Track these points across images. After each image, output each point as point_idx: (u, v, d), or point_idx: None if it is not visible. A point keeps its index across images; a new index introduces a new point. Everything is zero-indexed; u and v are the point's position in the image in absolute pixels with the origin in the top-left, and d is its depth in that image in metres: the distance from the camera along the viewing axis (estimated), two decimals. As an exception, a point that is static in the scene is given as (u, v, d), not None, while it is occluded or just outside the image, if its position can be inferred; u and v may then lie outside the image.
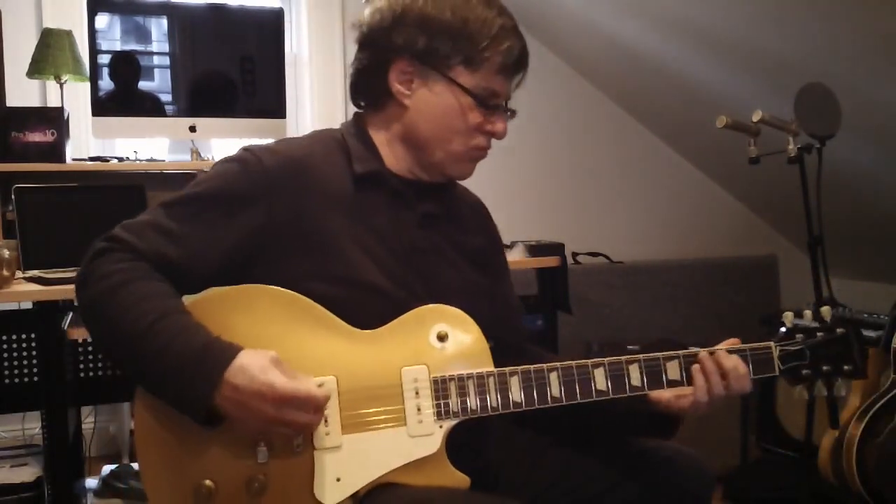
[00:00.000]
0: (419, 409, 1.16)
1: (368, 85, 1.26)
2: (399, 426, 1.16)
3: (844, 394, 1.23)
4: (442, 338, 1.19)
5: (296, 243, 1.17)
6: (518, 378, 1.18)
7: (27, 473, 2.47)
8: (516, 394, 1.18)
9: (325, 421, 1.13)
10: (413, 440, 1.16)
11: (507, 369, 1.19)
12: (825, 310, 1.25)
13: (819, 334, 1.25)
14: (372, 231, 1.22)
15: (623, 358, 1.21)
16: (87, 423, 3.03)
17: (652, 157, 4.03)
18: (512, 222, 3.52)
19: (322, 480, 1.12)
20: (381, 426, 1.15)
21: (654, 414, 1.25)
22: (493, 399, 1.17)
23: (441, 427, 1.16)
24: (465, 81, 1.22)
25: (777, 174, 2.43)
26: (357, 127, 1.29)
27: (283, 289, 1.16)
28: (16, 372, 2.71)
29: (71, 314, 2.42)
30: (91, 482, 2.80)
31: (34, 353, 2.70)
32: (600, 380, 1.20)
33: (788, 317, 1.26)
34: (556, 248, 2.80)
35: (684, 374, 1.21)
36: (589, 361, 1.20)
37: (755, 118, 2.16)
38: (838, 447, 2.50)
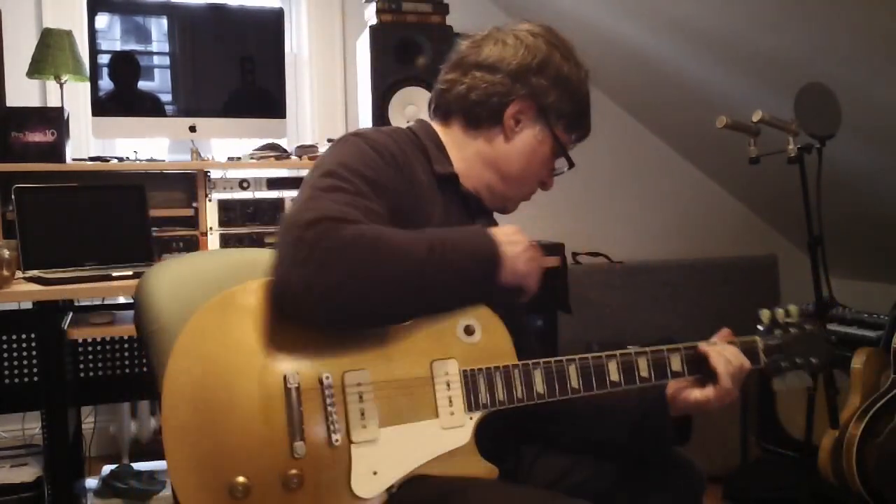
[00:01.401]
0: (450, 402, 1.20)
1: (479, 106, 1.35)
2: (431, 418, 1.18)
3: (810, 384, 1.43)
4: (469, 331, 1.23)
5: (411, 218, 1.23)
6: (541, 370, 1.24)
7: (27, 473, 2.47)
8: (539, 385, 1.24)
9: (362, 414, 1.14)
10: (445, 432, 1.19)
11: (530, 362, 1.24)
12: (793, 308, 1.40)
13: (792, 330, 1.39)
14: (445, 226, 1.29)
15: (632, 350, 1.29)
16: (87, 423, 3.03)
17: (652, 157, 4.03)
18: (512, 222, 3.53)
19: (359, 474, 1.13)
20: (414, 419, 1.17)
21: (669, 418, 1.31)
22: (518, 391, 1.22)
23: (471, 419, 1.20)
24: (563, 141, 1.40)
25: (777, 174, 2.43)
26: (431, 133, 1.38)
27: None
28: (16, 372, 2.71)
29: (71, 314, 2.43)
30: (91, 482, 2.80)
31: (34, 353, 2.70)
32: (613, 371, 1.27)
33: (766, 314, 1.40)
34: (556, 248, 2.80)
35: (685, 366, 1.30)
36: (602, 354, 1.27)
37: (755, 118, 2.16)
38: (838, 447, 2.50)
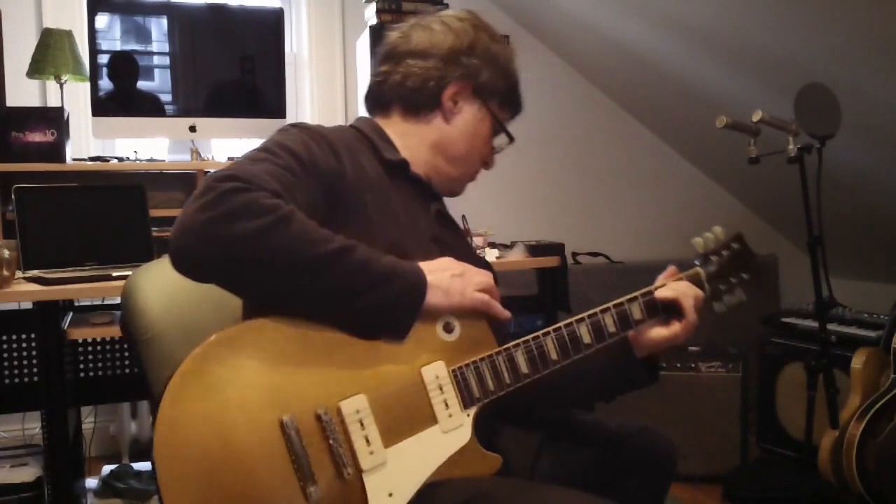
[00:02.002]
0: (446, 404, 1.19)
1: (416, 92, 1.37)
2: (432, 425, 1.18)
3: (745, 299, 1.48)
4: (449, 329, 1.22)
5: (348, 209, 1.22)
6: (521, 350, 1.25)
7: (27, 473, 2.47)
8: (523, 366, 1.24)
9: (367, 440, 1.11)
10: (447, 435, 1.18)
11: (510, 345, 1.24)
12: (718, 230, 1.52)
13: (724, 252, 1.51)
14: (400, 213, 1.30)
15: (597, 310, 1.32)
16: (87, 423, 3.03)
17: (652, 157, 4.03)
18: (512, 222, 3.53)
19: (376, 500, 1.11)
20: (416, 430, 1.16)
21: (639, 363, 1.39)
22: (506, 376, 1.23)
23: (469, 416, 1.20)
24: (498, 114, 1.42)
25: (777, 174, 2.43)
26: (373, 126, 1.39)
27: (284, 317, 1.11)
28: (16, 372, 2.71)
29: (71, 314, 2.43)
30: (91, 482, 2.80)
31: (34, 353, 2.70)
32: (585, 335, 1.30)
33: (698, 243, 1.51)
34: (556, 248, 2.80)
35: (646, 312, 1.36)
36: (572, 320, 1.30)
37: (755, 118, 2.16)
38: (838, 447, 2.50)
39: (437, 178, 1.41)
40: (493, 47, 1.41)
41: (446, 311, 1.20)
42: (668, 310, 1.36)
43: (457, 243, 1.43)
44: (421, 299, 1.16)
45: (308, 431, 1.07)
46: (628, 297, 1.36)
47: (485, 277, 1.24)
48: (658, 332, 1.35)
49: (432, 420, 1.17)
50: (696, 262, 1.49)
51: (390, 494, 1.12)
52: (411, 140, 1.38)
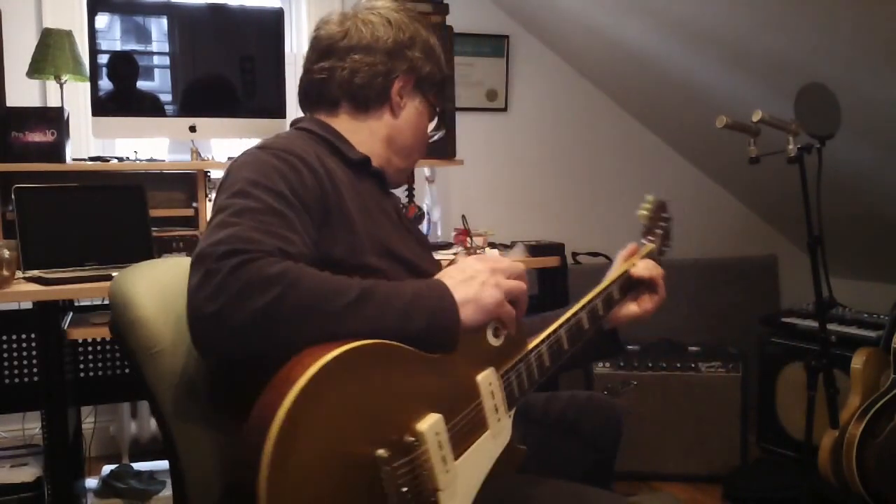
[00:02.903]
0: (496, 409, 1.20)
1: (365, 88, 1.36)
2: (485, 432, 1.18)
3: (669, 248, 1.67)
4: (497, 334, 1.23)
5: (336, 221, 1.20)
6: (545, 346, 1.30)
7: (27, 473, 2.47)
8: (547, 360, 1.29)
9: (444, 460, 1.08)
10: (495, 439, 1.20)
11: (538, 343, 1.29)
12: (650, 199, 1.70)
13: (662, 225, 1.69)
14: (373, 209, 1.29)
15: (591, 296, 1.43)
16: (87, 423, 3.03)
17: (652, 158, 4.03)
18: (512, 222, 3.54)
19: None
20: (474, 439, 1.16)
21: (611, 337, 1.55)
22: (535, 373, 1.28)
23: (509, 416, 1.23)
24: (433, 101, 1.44)
25: (777, 174, 2.43)
26: (325, 126, 1.36)
27: (359, 343, 1.02)
28: (16, 372, 2.71)
29: (71, 314, 2.43)
30: (91, 482, 2.80)
31: (34, 353, 2.70)
32: (585, 321, 1.40)
33: (643, 215, 1.67)
34: (556, 248, 2.80)
35: (621, 293, 1.50)
36: (575, 308, 1.39)
37: (755, 118, 2.16)
38: (838, 447, 2.50)
39: (389, 170, 1.42)
40: (430, 39, 1.42)
41: (483, 324, 1.17)
42: (640, 287, 1.52)
43: (420, 232, 1.49)
44: (455, 319, 1.11)
45: (400, 462, 1.03)
46: (609, 280, 1.48)
47: (514, 283, 1.19)
48: (630, 309, 1.52)
49: (485, 426, 1.18)
50: (649, 239, 1.64)
51: None
52: (362, 136, 1.37)
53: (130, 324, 1.21)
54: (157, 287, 1.25)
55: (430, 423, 1.06)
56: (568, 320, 1.34)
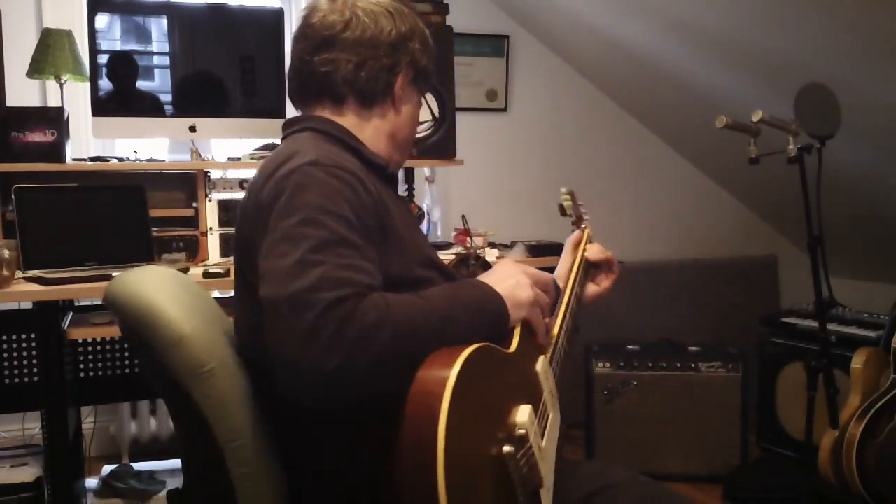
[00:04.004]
0: (553, 394, 1.29)
1: (371, 83, 1.30)
2: (551, 415, 1.26)
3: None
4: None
5: (391, 240, 1.19)
6: (563, 331, 1.40)
7: (27, 473, 2.47)
8: (566, 344, 1.41)
9: (539, 448, 1.13)
10: (555, 421, 1.27)
11: (561, 329, 1.39)
12: (564, 191, 1.78)
13: (585, 215, 1.79)
14: (408, 220, 1.30)
15: (572, 283, 1.54)
16: (87, 423, 3.03)
17: (652, 158, 4.03)
18: (512, 222, 3.53)
19: (546, 500, 1.15)
20: (546, 424, 1.23)
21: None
22: (561, 355, 1.38)
23: (558, 399, 1.31)
24: (423, 90, 1.42)
25: (777, 174, 2.43)
26: (337, 126, 1.31)
27: (474, 346, 1.04)
28: (16, 372, 2.71)
29: (71, 314, 2.43)
30: (91, 482, 2.80)
31: (34, 353, 2.70)
32: (574, 304, 1.53)
33: (568, 205, 1.76)
34: (556, 248, 2.80)
35: (584, 277, 1.62)
36: (568, 294, 1.51)
37: (755, 118, 2.16)
38: (838, 447, 2.50)
39: (391, 164, 1.37)
40: (425, 29, 1.38)
41: (520, 320, 1.21)
42: (598, 268, 1.64)
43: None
44: (506, 313, 1.17)
45: (522, 455, 1.07)
46: (576, 267, 1.58)
47: (541, 293, 1.24)
48: (591, 290, 1.62)
49: (546, 410, 1.24)
50: (583, 227, 1.72)
51: (548, 490, 1.16)
52: (368, 133, 1.32)
53: (173, 344, 1.12)
54: (180, 301, 1.18)
55: (528, 415, 1.09)
56: (568, 306, 1.44)
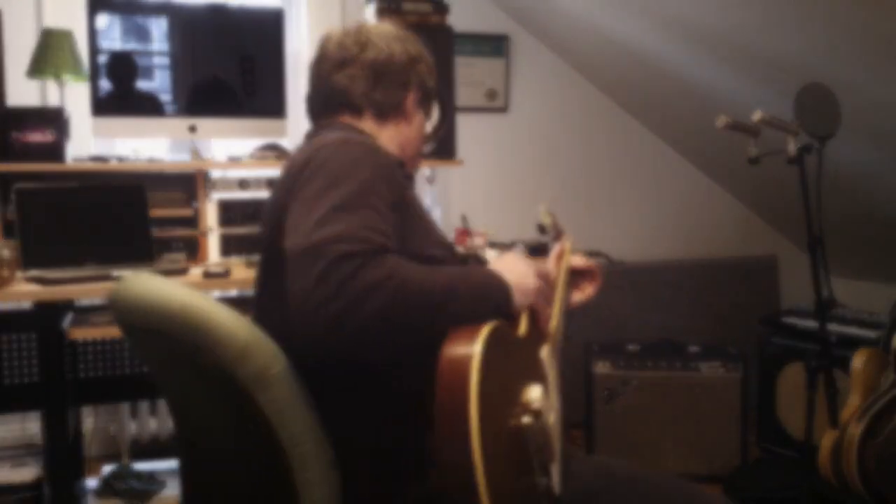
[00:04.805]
0: (556, 380, 1.36)
1: (387, 98, 1.46)
2: (556, 399, 1.32)
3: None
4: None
5: (411, 216, 1.30)
6: (560, 327, 1.46)
7: (27, 473, 2.47)
8: (562, 338, 1.47)
9: (552, 427, 1.22)
10: (557, 405, 1.33)
11: (553, 322, 1.43)
12: (542, 209, 1.84)
13: (558, 224, 1.86)
14: (420, 204, 1.41)
15: (562, 290, 1.57)
16: (88, 423, 3.03)
17: (652, 157, 4.03)
18: (512, 222, 3.53)
19: (556, 477, 1.24)
20: (553, 407, 1.28)
21: None
22: (560, 347, 1.45)
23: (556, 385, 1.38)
24: (427, 112, 1.55)
25: (777, 174, 2.44)
26: (358, 129, 1.45)
27: (492, 324, 1.11)
28: (16, 372, 2.71)
29: (71, 314, 2.43)
30: (91, 482, 2.80)
31: (34, 353, 2.70)
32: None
33: (548, 223, 1.82)
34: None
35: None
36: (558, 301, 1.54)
37: (755, 118, 2.16)
38: (838, 447, 2.50)
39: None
40: (429, 56, 1.55)
41: (526, 306, 1.29)
42: (582, 276, 1.70)
43: None
44: (510, 296, 1.24)
45: (538, 430, 1.13)
46: (562, 274, 1.61)
47: (540, 282, 1.31)
48: (576, 296, 1.69)
49: (552, 395, 1.30)
50: (563, 241, 1.75)
51: (556, 465, 1.24)
52: (383, 140, 1.46)
53: (240, 354, 1.11)
54: (223, 308, 1.16)
55: (540, 392, 1.14)
56: (560, 308, 1.50)
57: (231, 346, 1.11)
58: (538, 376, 1.27)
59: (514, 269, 1.27)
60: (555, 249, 1.70)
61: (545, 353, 1.34)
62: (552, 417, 1.25)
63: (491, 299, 1.20)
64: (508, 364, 1.15)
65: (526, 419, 1.11)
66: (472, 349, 1.05)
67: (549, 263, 1.66)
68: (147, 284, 1.19)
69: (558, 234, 1.79)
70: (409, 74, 1.48)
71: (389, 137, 1.47)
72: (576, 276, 1.70)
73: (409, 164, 1.51)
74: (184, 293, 1.16)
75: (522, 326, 1.26)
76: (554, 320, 1.42)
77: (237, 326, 1.13)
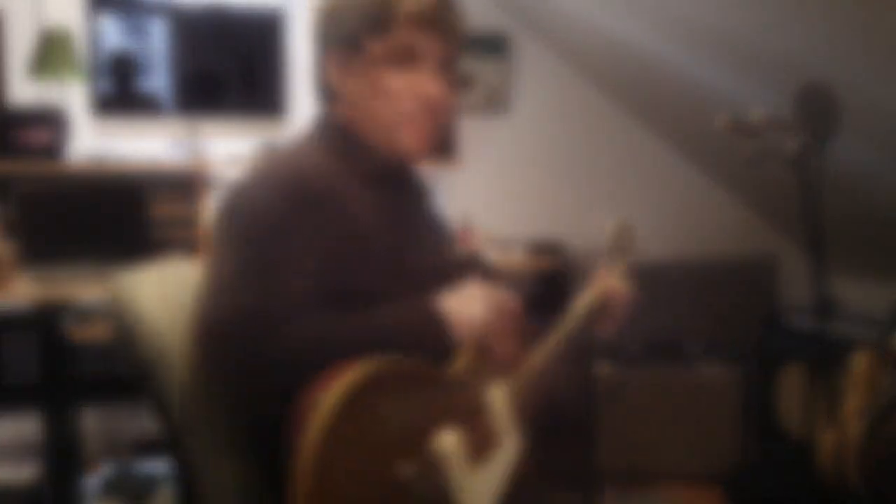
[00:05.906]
0: (505, 422, 1.21)
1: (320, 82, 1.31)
2: (496, 444, 1.19)
3: None
4: (490, 352, 1.25)
5: (348, 250, 1.21)
6: (543, 361, 1.32)
7: (27, 473, 2.47)
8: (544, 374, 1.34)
9: (463, 478, 1.09)
10: (507, 452, 1.20)
11: (536, 355, 1.31)
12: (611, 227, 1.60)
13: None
14: (390, 223, 1.31)
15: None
16: (87, 423, 3.03)
17: (652, 157, 4.03)
18: (512, 222, 3.53)
19: None
20: (488, 454, 1.17)
21: None
22: (537, 383, 1.31)
23: (518, 429, 1.25)
24: (378, 50, 1.23)
25: (777, 174, 2.43)
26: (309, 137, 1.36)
27: (373, 363, 1.03)
28: (16, 372, 2.71)
29: (71, 314, 2.43)
30: (91, 482, 2.80)
31: (34, 352, 2.70)
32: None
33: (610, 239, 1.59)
34: (556, 249, 2.80)
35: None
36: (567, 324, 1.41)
37: (755, 118, 2.16)
38: (838, 447, 2.50)
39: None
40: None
41: (473, 337, 1.16)
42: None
43: (435, 219, 1.44)
44: (445, 326, 1.14)
45: (427, 482, 1.03)
46: (579, 308, 1.43)
47: (496, 315, 1.18)
48: (600, 332, 1.56)
49: (497, 440, 1.19)
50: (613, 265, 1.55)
51: None
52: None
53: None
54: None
55: (451, 440, 1.05)
56: (558, 343, 1.32)
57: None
58: (463, 419, 1.10)
59: (459, 301, 1.16)
60: (598, 275, 1.48)
61: (499, 391, 1.18)
62: (485, 468, 1.11)
63: (412, 335, 1.11)
64: (399, 407, 1.03)
65: (406, 472, 0.99)
66: (323, 398, 0.96)
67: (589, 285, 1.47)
68: (132, 286, 1.27)
69: (615, 254, 1.57)
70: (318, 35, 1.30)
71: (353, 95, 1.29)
72: (608, 307, 1.48)
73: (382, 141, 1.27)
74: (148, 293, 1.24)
75: (460, 362, 1.13)
76: (539, 354, 1.27)
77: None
